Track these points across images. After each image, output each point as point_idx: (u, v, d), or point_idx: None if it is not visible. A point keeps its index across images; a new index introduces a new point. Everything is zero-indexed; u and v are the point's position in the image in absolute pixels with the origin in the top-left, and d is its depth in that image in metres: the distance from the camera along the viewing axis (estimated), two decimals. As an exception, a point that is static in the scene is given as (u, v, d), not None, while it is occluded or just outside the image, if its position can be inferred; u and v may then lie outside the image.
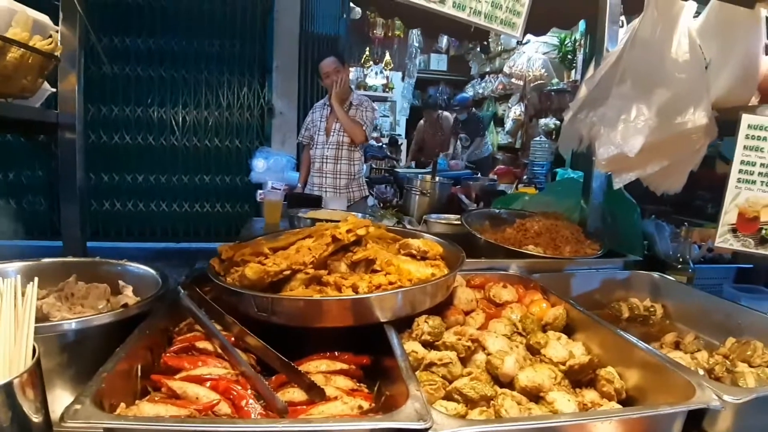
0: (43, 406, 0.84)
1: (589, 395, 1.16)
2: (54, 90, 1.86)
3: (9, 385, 0.76)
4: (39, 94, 1.78)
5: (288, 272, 1.21)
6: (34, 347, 0.84)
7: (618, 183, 1.97)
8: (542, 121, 6.85)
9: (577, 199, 2.55)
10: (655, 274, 1.95)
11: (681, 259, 2.09)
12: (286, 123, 5.15)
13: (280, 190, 3.89)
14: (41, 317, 1.20)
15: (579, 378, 1.22)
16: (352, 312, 1.19)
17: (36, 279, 0.87)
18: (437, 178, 3.15)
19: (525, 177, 5.43)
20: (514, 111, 7.87)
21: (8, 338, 0.81)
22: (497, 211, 2.39)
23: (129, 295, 1.30)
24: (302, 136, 4.02)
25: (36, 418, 0.81)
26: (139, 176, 5.17)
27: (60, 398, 1.14)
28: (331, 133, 3.79)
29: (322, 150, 3.81)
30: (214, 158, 5.23)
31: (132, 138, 5.12)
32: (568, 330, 1.47)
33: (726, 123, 1.69)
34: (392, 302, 1.22)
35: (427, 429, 0.84)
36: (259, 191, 4.76)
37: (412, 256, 1.43)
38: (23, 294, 0.88)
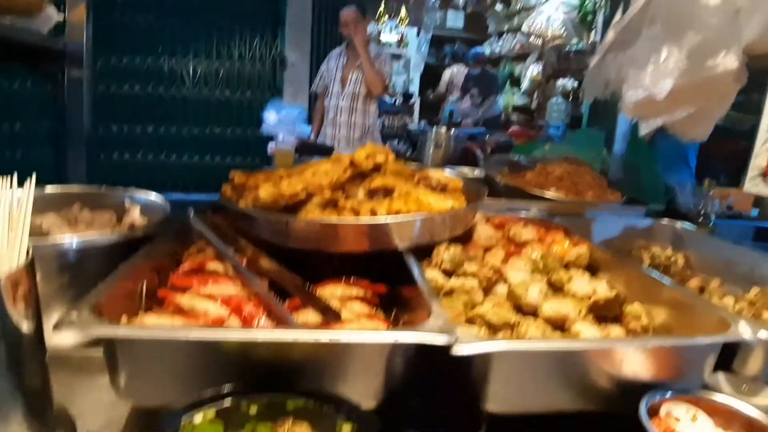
0: (35, 317, 0.78)
1: (615, 331, 1.11)
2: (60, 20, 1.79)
3: None
4: (45, 20, 1.71)
5: (303, 195, 1.16)
6: (28, 251, 0.78)
7: (645, 129, 1.89)
8: (560, 81, 6.68)
9: (599, 150, 2.47)
10: (678, 224, 1.88)
11: (702, 213, 2.03)
12: (298, 75, 5.02)
13: (291, 140, 3.80)
14: (40, 234, 1.15)
15: (604, 314, 1.17)
16: (370, 237, 1.14)
17: (34, 175, 0.81)
18: (452, 130, 3.06)
19: (540, 138, 5.31)
20: (532, 71, 7.66)
21: (1, 241, 0.75)
22: (517, 157, 2.31)
23: (136, 216, 1.25)
24: (316, 86, 3.90)
25: (26, 328, 0.75)
26: (149, 127, 5.10)
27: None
28: (347, 83, 3.69)
29: (337, 100, 3.71)
30: (225, 110, 5.12)
31: (142, 88, 5.02)
32: (590, 270, 1.42)
33: (756, 72, 1.62)
34: (411, 229, 1.16)
35: (452, 344, 0.80)
36: (271, 143, 4.69)
37: (432, 189, 1.37)
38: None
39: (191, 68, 5.03)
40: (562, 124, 5.88)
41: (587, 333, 1.03)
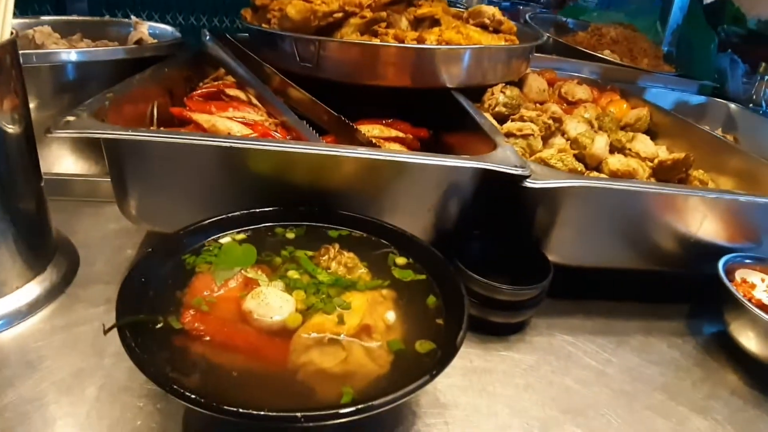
0: (24, 122, 0.64)
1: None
2: None
3: None
4: None
5: (339, 15, 0.97)
6: (12, 32, 0.63)
7: (706, -2, 1.67)
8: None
9: (653, 19, 2.23)
10: (732, 104, 1.71)
11: (753, 99, 1.85)
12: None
13: None
14: (33, 48, 0.98)
15: (668, 177, 1.03)
16: (415, 68, 0.97)
17: None
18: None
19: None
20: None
21: None
22: (564, 19, 2.07)
23: (144, 32, 1.06)
24: None
25: (11, 129, 0.61)
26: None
27: (59, 159, 0.97)
28: None
29: None
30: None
31: None
32: (649, 136, 1.27)
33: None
34: (461, 62, 0.99)
35: (526, 176, 0.66)
36: None
37: (484, 27, 1.18)
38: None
39: None
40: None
41: (659, 190, 0.91)
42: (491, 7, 1.22)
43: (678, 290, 0.87)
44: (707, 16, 2.10)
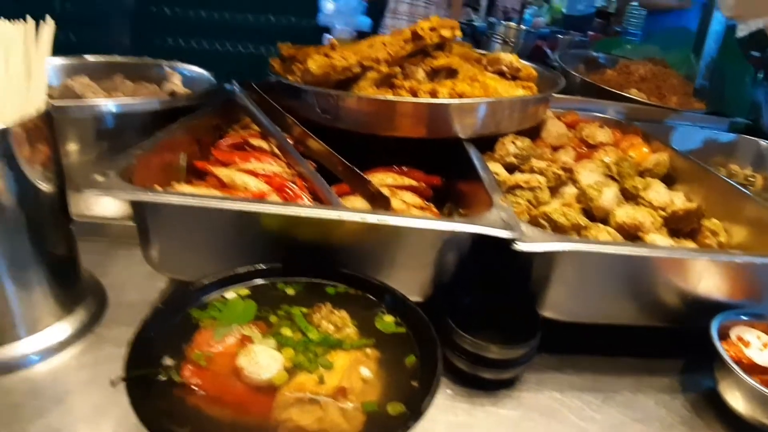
0: (57, 177, 0.72)
1: (689, 246, 0.99)
2: None
3: (4, 134, 0.62)
4: None
5: (357, 69, 1.03)
6: (47, 102, 0.71)
7: (743, 30, 1.66)
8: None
9: (686, 52, 2.21)
10: (763, 142, 1.67)
11: None
12: (359, -39, 4.70)
13: (348, 32, 3.59)
14: (72, 98, 1.08)
15: (680, 227, 1.04)
16: (428, 120, 1.02)
17: (50, 20, 0.70)
18: (523, 26, 2.80)
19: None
20: (613, -31, 6.94)
21: (17, 89, 0.66)
22: (595, 54, 2.08)
23: (177, 84, 1.15)
24: None
25: (44, 186, 0.69)
26: (203, 12, 4.94)
27: (98, 198, 1.05)
28: None
29: None
30: (282, -5, 4.91)
31: (197, -31, 4.82)
32: (668, 180, 1.27)
33: None
34: (474, 113, 1.04)
35: (515, 239, 0.70)
36: (326, 35, 4.47)
37: (501, 75, 1.22)
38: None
39: (248, -52, 4.77)
40: (641, 31, 5.35)
41: (662, 244, 0.92)
42: (509, 54, 1.26)
43: (675, 344, 0.87)
44: (743, 48, 2.06)
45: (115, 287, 0.87)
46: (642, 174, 1.25)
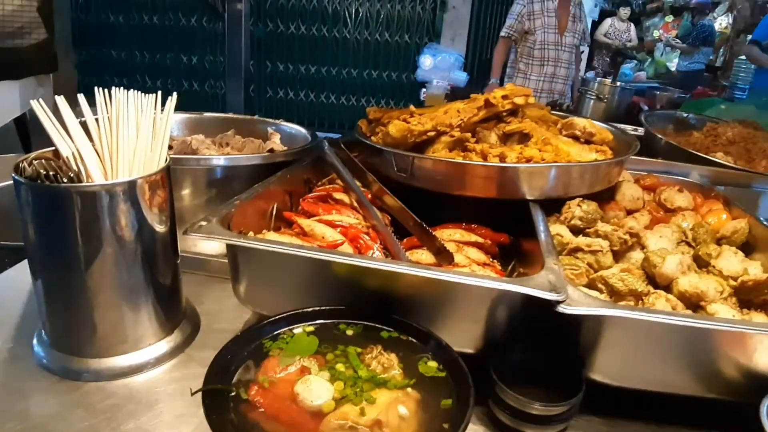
0: (170, 220, 0.86)
1: (758, 318, 0.96)
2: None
3: (132, 184, 0.78)
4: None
5: (432, 133, 1.14)
6: (167, 159, 0.86)
7: None
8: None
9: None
10: None
11: None
12: (458, 18, 4.89)
13: (444, 86, 3.75)
14: (189, 152, 1.26)
15: (750, 297, 1.01)
16: (497, 182, 1.09)
17: (174, 94, 0.88)
18: (618, 83, 2.79)
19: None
20: (720, 23, 6.67)
21: (145, 148, 0.83)
22: (685, 115, 2.05)
23: (276, 142, 1.32)
24: (510, 28, 3.50)
25: (159, 227, 0.84)
26: (312, 67, 5.35)
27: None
28: (566, 33, 3.35)
29: (556, 52, 3.41)
30: (383, 53, 5.21)
31: (307, 29, 5.26)
32: (746, 249, 1.24)
33: None
34: (543, 178, 1.09)
35: (559, 302, 0.75)
36: (423, 89, 4.68)
37: (575, 138, 1.27)
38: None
39: (354, 9, 5.14)
40: (749, 86, 5.09)
41: (723, 315, 0.91)
42: (583, 119, 1.31)
43: (731, 417, 0.85)
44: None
45: (209, 315, 1.01)
46: (719, 241, 1.23)
